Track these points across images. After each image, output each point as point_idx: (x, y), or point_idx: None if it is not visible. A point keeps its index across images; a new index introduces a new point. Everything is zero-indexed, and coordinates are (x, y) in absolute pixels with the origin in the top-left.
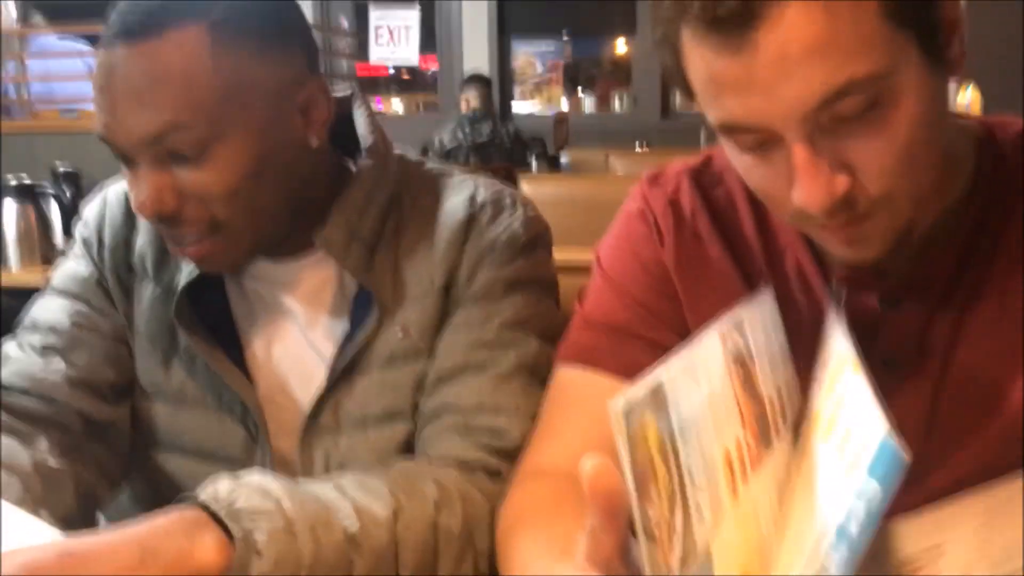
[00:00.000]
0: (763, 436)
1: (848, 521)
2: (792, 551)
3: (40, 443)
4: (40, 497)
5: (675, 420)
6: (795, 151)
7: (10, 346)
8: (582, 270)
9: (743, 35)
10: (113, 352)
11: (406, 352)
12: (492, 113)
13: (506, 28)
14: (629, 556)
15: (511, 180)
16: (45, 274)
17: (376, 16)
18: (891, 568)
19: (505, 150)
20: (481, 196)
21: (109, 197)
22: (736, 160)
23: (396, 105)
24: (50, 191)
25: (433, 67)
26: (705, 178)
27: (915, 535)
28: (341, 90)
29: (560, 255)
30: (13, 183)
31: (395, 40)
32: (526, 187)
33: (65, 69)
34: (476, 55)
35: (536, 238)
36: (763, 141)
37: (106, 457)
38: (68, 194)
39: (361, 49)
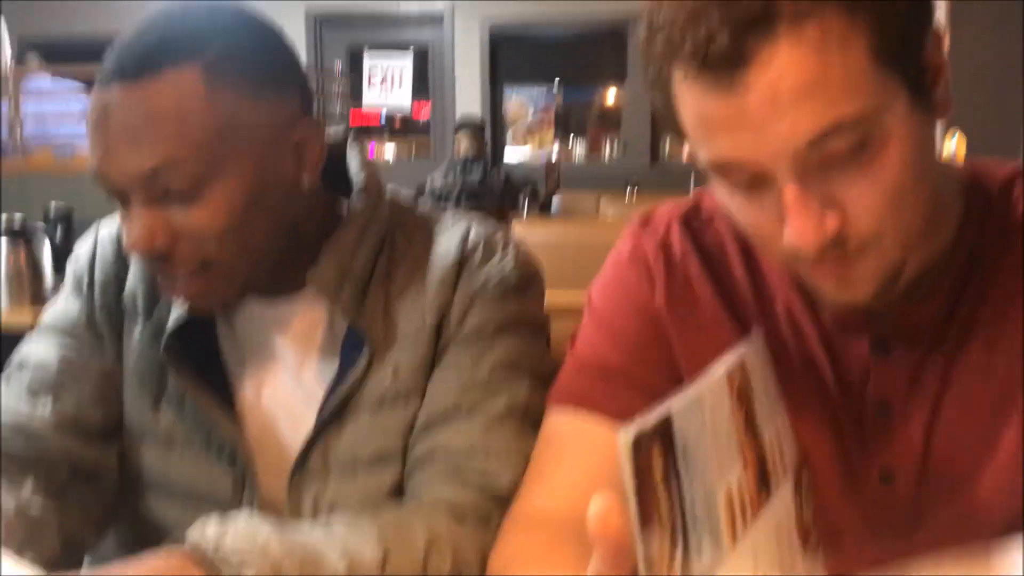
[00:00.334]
0: (763, 480)
1: None
2: None
3: (25, 485)
4: (23, 543)
5: (680, 454)
6: (786, 190)
7: None
8: (574, 313)
9: (734, 75)
10: (102, 393)
11: (396, 395)
12: (484, 157)
13: (498, 76)
14: None
15: (504, 223)
16: (35, 315)
17: (370, 62)
18: None
19: (497, 194)
20: (473, 237)
21: (101, 236)
22: (727, 201)
23: (388, 152)
24: (42, 231)
25: (426, 115)
26: (695, 221)
27: None
28: (335, 132)
29: (552, 298)
30: (3, 223)
31: (388, 85)
32: (518, 230)
33: (59, 110)
34: (469, 101)
35: (528, 279)
36: (754, 180)
37: (92, 500)
38: (60, 234)
39: (355, 95)
